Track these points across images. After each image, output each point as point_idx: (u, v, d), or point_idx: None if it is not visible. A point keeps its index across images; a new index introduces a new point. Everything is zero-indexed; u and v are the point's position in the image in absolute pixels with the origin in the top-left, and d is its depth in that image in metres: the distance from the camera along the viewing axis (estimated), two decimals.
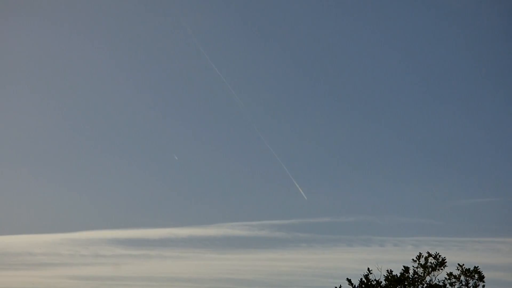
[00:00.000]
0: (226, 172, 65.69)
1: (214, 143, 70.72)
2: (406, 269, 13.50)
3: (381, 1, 69.27)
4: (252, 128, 65.83)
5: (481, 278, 12.12)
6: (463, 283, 12.28)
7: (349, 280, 13.52)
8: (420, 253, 13.60)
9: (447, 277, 12.54)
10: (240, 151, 69.09)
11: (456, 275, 12.40)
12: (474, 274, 12.20)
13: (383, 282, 13.27)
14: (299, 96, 75.18)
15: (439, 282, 12.69)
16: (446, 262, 12.70)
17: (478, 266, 12.55)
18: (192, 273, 48.64)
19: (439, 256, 12.93)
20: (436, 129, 67.21)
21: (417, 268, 13.11)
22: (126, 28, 72.64)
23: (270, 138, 70.56)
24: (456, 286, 12.47)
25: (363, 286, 13.52)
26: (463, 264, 12.49)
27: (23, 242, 51.82)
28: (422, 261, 13.06)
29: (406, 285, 12.79)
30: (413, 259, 13.55)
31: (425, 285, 12.78)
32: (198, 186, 66.77)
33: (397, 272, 13.64)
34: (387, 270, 13.54)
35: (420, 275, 12.87)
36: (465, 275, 12.20)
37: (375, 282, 13.38)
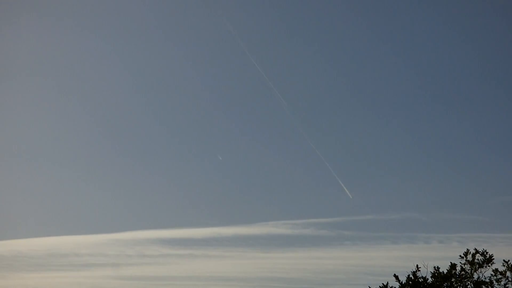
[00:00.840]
0: (270, 171, 66.92)
1: (257, 142, 71.79)
2: (453, 266, 13.73)
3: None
4: (296, 127, 66.41)
5: None
6: (510, 279, 12.46)
7: (396, 277, 13.91)
8: (467, 249, 13.85)
9: (493, 274, 12.78)
10: (284, 150, 69.71)
11: (502, 271, 12.60)
12: None
13: (430, 279, 13.69)
14: (342, 95, 75.59)
15: (485, 279, 12.95)
16: (493, 258, 12.93)
17: None
18: (237, 272, 49.79)
19: (486, 252, 13.11)
20: (483, 124, 64.80)
21: (464, 265, 13.40)
22: (170, 29, 76.90)
23: (314, 137, 71.23)
24: (502, 283, 12.64)
25: (410, 283, 13.93)
26: (509, 260, 12.66)
27: (69, 243, 54.04)
28: (469, 257, 13.33)
29: (453, 282, 13.17)
30: (460, 256, 13.79)
31: (473, 282, 13.07)
32: (241, 186, 68.90)
33: (443, 269, 13.99)
34: (434, 267, 13.89)
35: (467, 272, 13.19)
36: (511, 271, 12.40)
37: (422, 279, 13.80)
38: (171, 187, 68.03)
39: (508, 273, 12.42)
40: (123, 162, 69.44)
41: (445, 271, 13.38)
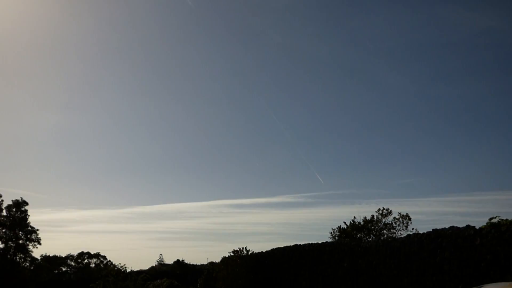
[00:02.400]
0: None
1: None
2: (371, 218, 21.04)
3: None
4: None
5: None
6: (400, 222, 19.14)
7: (344, 223, 21.30)
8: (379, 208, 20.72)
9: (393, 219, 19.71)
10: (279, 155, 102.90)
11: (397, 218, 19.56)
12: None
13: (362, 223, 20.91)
14: None
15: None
16: (391, 211, 19.83)
17: None
18: (267, 221, 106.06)
19: (388, 209, 19.94)
20: None
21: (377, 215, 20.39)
22: None
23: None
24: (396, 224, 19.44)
25: (351, 224, 21.17)
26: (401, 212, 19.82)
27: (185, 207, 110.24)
28: (379, 212, 20.34)
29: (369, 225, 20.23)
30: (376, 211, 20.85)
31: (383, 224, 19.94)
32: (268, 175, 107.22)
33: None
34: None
35: (378, 218, 20.10)
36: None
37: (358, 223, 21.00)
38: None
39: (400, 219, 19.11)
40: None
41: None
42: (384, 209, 19.80)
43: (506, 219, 11.97)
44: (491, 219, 12.33)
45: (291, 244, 16.37)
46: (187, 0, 76.17)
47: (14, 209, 28.37)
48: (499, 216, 12.48)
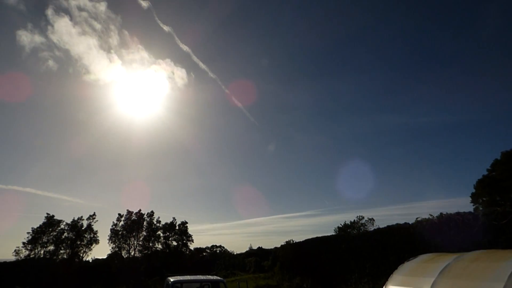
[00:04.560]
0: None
1: None
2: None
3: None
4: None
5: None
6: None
7: (338, 227, 31.99)
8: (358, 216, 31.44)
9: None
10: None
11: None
12: None
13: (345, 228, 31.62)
14: None
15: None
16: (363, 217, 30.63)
17: None
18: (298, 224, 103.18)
19: (363, 217, 30.96)
20: None
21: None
22: None
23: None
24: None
25: (341, 226, 31.87)
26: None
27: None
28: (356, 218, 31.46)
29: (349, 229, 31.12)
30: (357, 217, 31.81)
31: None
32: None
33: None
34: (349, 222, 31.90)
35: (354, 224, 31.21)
36: None
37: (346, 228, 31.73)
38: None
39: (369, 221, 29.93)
40: None
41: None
42: (359, 215, 30.70)
43: (425, 218, 22.75)
44: (417, 218, 23.07)
45: (314, 236, 27.46)
46: None
47: (181, 225, 53.23)
48: (420, 216, 23.25)
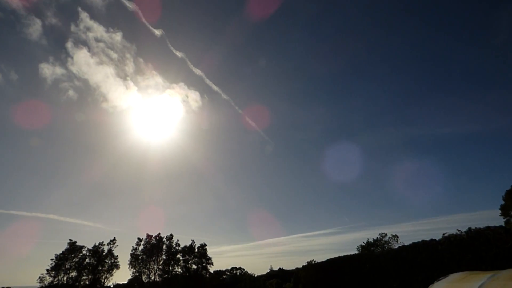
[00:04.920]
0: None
1: None
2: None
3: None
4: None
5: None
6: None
7: (361, 246, 30.99)
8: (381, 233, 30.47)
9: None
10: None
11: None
12: None
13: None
14: None
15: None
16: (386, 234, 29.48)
17: None
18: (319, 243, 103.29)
19: (385, 234, 29.81)
20: None
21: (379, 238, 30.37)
22: None
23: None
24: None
25: (364, 244, 30.81)
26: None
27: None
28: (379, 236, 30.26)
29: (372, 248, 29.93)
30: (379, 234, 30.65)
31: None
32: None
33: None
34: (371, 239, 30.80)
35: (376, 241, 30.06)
36: None
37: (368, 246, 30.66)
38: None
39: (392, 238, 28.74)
40: None
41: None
42: (382, 233, 29.67)
43: (453, 234, 21.77)
44: (444, 234, 22.09)
45: (336, 255, 26.47)
46: None
47: (201, 247, 53.31)
48: (447, 232, 22.27)
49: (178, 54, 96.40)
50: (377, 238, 29.63)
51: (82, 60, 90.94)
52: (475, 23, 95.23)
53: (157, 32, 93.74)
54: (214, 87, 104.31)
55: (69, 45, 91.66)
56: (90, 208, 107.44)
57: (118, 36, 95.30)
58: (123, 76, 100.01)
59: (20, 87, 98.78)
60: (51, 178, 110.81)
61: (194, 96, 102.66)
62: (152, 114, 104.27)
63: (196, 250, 53.79)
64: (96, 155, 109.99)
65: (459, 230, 20.09)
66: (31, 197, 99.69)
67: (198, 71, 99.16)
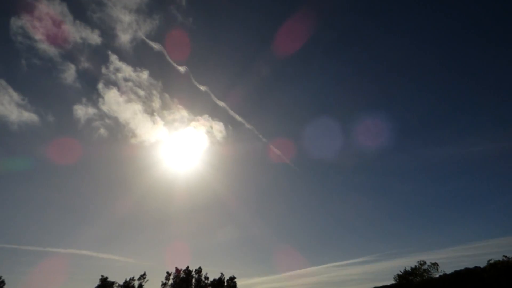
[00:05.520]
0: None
1: None
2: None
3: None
4: None
5: None
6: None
7: (397, 275, 29.25)
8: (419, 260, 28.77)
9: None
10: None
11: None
12: None
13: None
14: None
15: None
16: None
17: None
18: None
19: (424, 261, 27.89)
20: None
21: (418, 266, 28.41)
22: None
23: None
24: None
25: (401, 273, 28.99)
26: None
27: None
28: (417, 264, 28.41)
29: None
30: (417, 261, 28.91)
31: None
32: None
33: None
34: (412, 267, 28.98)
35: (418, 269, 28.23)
36: None
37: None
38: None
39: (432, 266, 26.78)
40: None
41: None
42: (421, 260, 28.05)
43: (499, 260, 20.24)
44: (489, 261, 20.55)
45: (373, 286, 25.09)
46: None
47: (230, 280, 52.87)
48: (493, 258, 20.74)
49: (202, 88, 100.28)
50: (415, 266, 28.07)
51: (112, 99, 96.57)
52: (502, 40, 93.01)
53: (182, 69, 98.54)
54: (238, 117, 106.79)
55: (100, 86, 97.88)
56: (120, 242, 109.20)
57: (145, 75, 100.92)
58: (150, 112, 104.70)
59: (57, 128, 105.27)
60: (83, 213, 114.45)
61: (218, 127, 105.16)
62: (179, 147, 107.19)
63: (225, 284, 52.90)
64: (126, 189, 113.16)
65: (505, 256, 18.84)
66: (64, 234, 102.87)
67: (221, 103, 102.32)
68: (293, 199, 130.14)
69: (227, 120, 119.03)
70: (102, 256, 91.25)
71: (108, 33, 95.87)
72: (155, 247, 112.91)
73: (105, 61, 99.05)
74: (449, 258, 78.27)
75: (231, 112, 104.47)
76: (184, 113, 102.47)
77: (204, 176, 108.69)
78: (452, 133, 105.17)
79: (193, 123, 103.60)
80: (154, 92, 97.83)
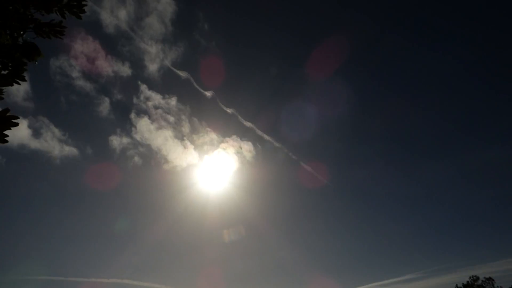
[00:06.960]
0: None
1: None
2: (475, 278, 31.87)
3: None
4: None
5: None
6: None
7: None
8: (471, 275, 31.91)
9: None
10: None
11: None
12: None
13: None
14: None
15: None
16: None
17: None
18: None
19: (477, 277, 30.92)
20: None
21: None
22: None
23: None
24: None
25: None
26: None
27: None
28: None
29: None
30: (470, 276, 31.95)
31: None
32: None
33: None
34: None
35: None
36: None
37: None
38: None
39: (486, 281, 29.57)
40: None
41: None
42: (473, 276, 30.78)
43: None
44: None
45: None
46: None
47: None
48: None
49: (229, 110, 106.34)
50: (468, 282, 30.31)
51: (144, 128, 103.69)
52: None
53: (208, 93, 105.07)
54: (266, 137, 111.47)
55: (132, 115, 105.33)
56: (158, 268, 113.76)
57: (173, 101, 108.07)
58: (180, 137, 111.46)
59: (95, 159, 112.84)
60: (121, 241, 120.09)
61: (247, 147, 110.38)
62: (210, 169, 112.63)
63: None
64: (160, 216, 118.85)
65: None
66: (105, 263, 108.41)
67: (248, 124, 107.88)
68: (328, 213, 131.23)
69: (255, 140, 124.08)
70: (143, 285, 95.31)
71: (137, 64, 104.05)
72: (190, 272, 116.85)
73: (136, 91, 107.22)
74: (506, 271, 70.56)
75: (259, 132, 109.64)
76: (213, 135, 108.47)
77: (234, 199, 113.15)
78: (487, 137, 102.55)
79: (223, 145, 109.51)
80: (183, 117, 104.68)
